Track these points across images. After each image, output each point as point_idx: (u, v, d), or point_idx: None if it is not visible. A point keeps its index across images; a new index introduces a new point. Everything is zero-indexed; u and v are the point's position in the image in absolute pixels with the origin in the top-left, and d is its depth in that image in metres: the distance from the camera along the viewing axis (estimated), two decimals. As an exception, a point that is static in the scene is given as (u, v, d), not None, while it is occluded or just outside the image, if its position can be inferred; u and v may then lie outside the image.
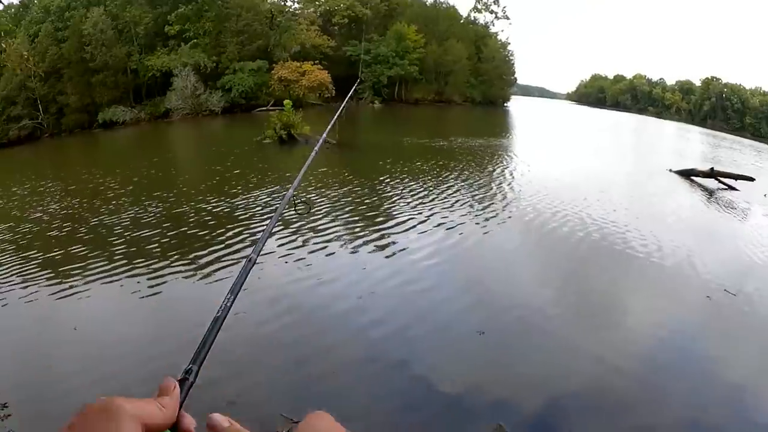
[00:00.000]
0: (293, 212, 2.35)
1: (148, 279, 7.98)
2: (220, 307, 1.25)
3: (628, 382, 5.46)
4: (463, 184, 15.12)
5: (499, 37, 69.75)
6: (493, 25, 71.21)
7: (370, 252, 9.13)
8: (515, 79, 76.22)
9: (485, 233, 10.55)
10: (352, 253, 9.06)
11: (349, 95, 8.64)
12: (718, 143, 43.12)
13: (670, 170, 19.63)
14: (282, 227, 9.72)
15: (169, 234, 10.45)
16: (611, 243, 10.01)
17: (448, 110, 55.71)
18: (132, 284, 7.83)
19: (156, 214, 12.00)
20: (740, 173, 18.25)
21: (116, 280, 8.01)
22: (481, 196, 13.70)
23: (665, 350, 6.21)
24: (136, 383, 5.05)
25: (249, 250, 1.52)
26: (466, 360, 5.83)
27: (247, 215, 11.52)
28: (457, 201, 12.84)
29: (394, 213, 11.75)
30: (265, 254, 8.23)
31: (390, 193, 13.73)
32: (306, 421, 0.67)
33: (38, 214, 13.11)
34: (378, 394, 5.14)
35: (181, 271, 8.33)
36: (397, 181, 15.26)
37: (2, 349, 6.26)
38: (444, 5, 68.00)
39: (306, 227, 10.12)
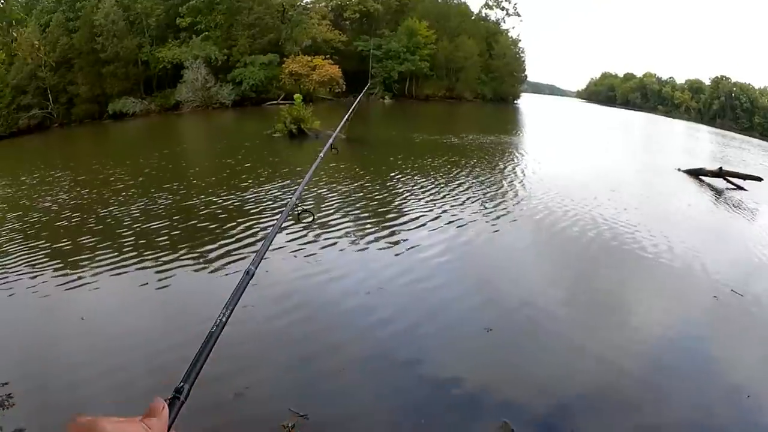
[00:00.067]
0: (299, 216, 2.26)
1: (157, 272, 7.93)
2: (215, 323, 1.17)
3: (635, 383, 5.39)
4: (474, 181, 14.99)
5: (510, 34, 69.22)
6: (504, 22, 70.82)
7: (380, 248, 9.05)
8: (526, 76, 75.77)
9: (496, 231, 10.44)
10: (362, 249, 8.98)
11: (361, 94, 8.55)
12: (727, 143, 42.68)
13: (679, 169, 19.51)
14: (292, 221, 9.64)
15: (179, 226, 10.40)
16: (621, 243, 9.90)
17: (459, 107, 55.47)
18: (141, 276, 7.79)
19: (166, 206, 11.97)
20: (749, 173, 18.10)
21: (125, 272, 7.96)
22: (492, 193, 13.56)
23: (672, 350, 6.13)
24: (143, 376, 5.01)
25: (259, 245, 1.45)
26: (474, 358, 5.77)
27: (258, 209, 11.44)
28: (468, 198, 12.73)
29: (405, 209, 11.65)
30: (274, 249, 8.17)
31: (401, 189, 13.63)
32: None
33: (47, 204, 13.11)
34: (384, 391, 5.09)
35: (190, 264, 8.27)
36: (408, 177, 15.16)
37: (9, 339, 6.23)
38: (455, 1, 67.72)
39: (316, 222, 10.05)
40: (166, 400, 0.87)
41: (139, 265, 8.21)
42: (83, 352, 5.68)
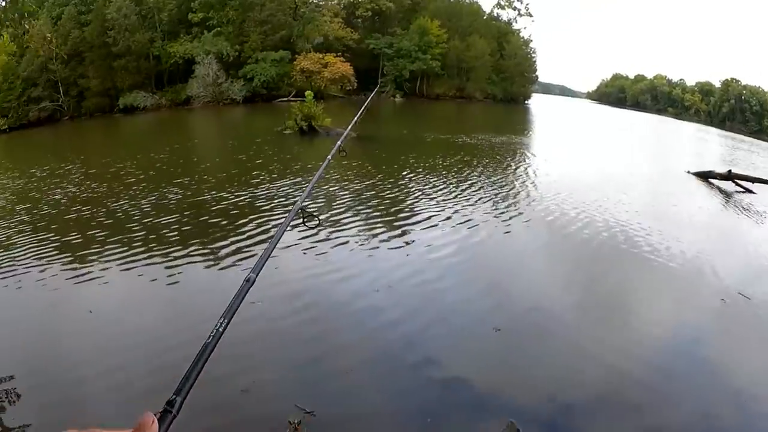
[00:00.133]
0: (305, 221, 2.18)
1: (167, 267, 7.88)
2: (211, 333, 1.07)
3: (641, 386, 5.31)
4: (486, 181, 14.87)
5: (521, 34, 69.09)
6: (516, 22, 70.58)
7: (390, 248, 8.95)
8: (536, 76, 75.48)
9: (507, 233, 10.32)
10: (373, 248, 8.88)
11: (373, 93, 8.47)
12: (736, 145, 42.38)
13: (689, 172, 19.40)
14: (301, 220, 9.59)
15: (189, 222, 10.35)
16: (631, 246, 9.77)
17: (469, 106, 55.37)
18: (150, 271, 7.74)
19: (176, 201, 11.94)
20: (758, 176, 17.93)
21: (134, 267, 7.91)
22: (503, 194, 13.45)
23: (678, 354, 6.06)
24: (150, 374, 4.95)
25: (261, 251, 1.38)
26: (482, 360, 5.71)
27: (270, 206, 11.38)
28: (479, 198, 12.62)
29: (416, 209, 11.54)
30: (283, 247, 8.09)
31: (412, 189, 13.52)
32: None
33: (57, 197, 13.12)
34: (391, 391, 5.04)
35: (200, 261, 8.21)
36: (420, 176, 15.06)
37: (18, 332, 6.19)
38: (467, 0, 67.50)
39: (326, 221, 9.99)
40: (156, 414, 0.81)
41: (149, 261, 8.16)
42: (89, 348, 5.63)
